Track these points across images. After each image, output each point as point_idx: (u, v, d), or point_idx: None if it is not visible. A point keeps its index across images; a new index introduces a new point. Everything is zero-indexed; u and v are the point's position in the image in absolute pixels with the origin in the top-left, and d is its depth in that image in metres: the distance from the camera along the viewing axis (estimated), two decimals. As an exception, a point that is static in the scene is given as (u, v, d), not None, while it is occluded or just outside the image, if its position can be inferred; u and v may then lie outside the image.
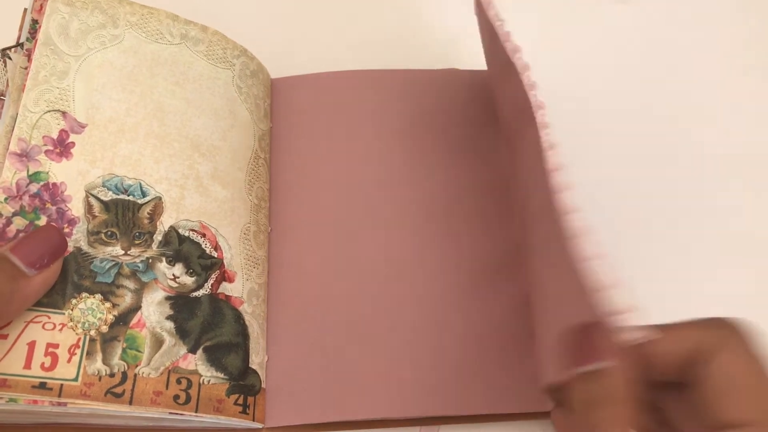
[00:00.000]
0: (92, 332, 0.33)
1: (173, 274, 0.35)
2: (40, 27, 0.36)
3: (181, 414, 0.33)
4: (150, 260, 0.35)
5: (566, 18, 0.52)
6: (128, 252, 0.35)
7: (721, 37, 0.51)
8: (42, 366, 0.31)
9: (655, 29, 0.51)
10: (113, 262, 0.34)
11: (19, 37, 0.37)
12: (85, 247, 0.34)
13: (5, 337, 0.31)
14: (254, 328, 0.37)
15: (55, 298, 0.32)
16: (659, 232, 0.44)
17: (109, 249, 0.34)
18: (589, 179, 0.45)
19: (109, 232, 0.34)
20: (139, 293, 0.34)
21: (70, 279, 0.33)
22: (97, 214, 0.34)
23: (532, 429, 0.37)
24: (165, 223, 0.36)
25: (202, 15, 0.43)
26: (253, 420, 0.36)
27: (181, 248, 0.36)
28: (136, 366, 0.33)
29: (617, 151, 0.46)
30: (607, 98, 0.48)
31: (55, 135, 0.35)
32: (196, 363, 0.35)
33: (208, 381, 0.35)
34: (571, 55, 0.50)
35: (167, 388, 0.33)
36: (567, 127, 0.46)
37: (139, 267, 0.35)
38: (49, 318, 0.32)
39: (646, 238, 0.43)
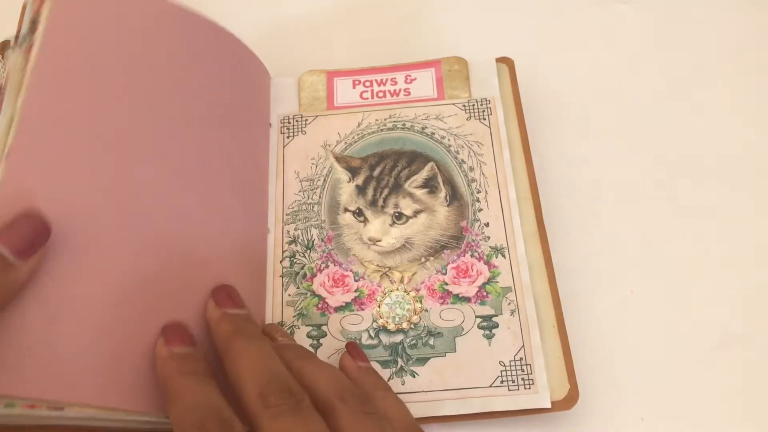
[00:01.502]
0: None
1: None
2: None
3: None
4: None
5: (567, 18, 0.52)
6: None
7: (721, 36, 0.51)
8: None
9: (655, 29, 0.51)
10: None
11: (18, 32, 0.37)
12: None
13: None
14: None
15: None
16: (657, 233, 0.44)
17: None
18: (588, 178, 0.45)
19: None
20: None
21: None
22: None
23: (531, 429, 0.37)
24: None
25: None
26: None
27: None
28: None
29: (614, 151, 0.47)
30: (606, 98, 0.48)
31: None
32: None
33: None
34: (572, 55, 0.50)
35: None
36: (567, 127, 0.47)
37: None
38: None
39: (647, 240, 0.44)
